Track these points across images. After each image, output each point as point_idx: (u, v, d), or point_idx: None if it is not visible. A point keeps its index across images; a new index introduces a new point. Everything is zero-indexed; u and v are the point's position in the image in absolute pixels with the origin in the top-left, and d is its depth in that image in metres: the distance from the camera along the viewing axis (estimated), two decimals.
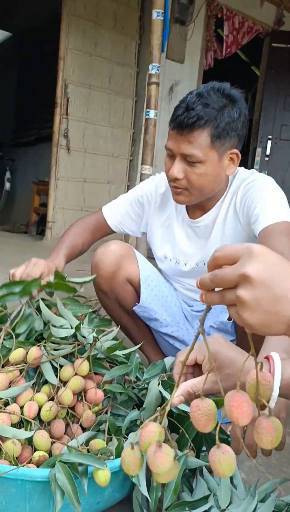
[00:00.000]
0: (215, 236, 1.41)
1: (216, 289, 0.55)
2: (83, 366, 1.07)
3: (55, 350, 1.10)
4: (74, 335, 1.15)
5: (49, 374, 1.05)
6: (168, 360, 1.20)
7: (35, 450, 0.96)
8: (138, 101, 4.76)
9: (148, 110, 2.98)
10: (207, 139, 1.25)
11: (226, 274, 0.53)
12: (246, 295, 0.51)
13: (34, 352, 1.05)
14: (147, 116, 3.00)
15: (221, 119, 1.24)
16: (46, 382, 1.07)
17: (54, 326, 1.16)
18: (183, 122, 1.23)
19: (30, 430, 0.97)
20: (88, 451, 0.96)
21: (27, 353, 1.08)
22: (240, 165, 1.39)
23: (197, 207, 1.43)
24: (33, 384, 1.06)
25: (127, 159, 4.87)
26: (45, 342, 1.12)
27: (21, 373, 1.06)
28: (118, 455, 0.94)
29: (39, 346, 1.09)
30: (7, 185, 6.17)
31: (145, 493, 0.88)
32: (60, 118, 4.26)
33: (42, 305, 1.18)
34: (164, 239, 1.54)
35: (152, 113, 2.96)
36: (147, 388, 1.11)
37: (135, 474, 0.75)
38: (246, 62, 7.11)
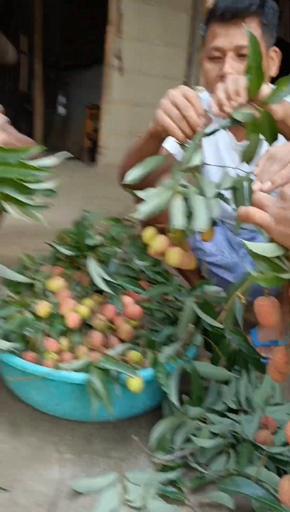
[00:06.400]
0: None
1: None
2: None
3: None
4: None
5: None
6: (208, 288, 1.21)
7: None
8: (196, 16, 4.45)
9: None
10: (258, 28, 1.21)
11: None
12: None
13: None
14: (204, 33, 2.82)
15: (267, 9, 1.22)
16: (89, 295, 1.12)
17: None
18: (236, 9, 1.18)
19: (73, 338, 1.03)
20: (125, 361, 1.02)
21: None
22: None
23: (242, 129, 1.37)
24: (76, 297, 1.11)
25: (181, 81, 4.66)
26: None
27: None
28: (152, 366, 0.99)
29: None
30: (61, 109, 6.12)
31: (174, 401, 0.93)
32: (113, 37, 4.09)
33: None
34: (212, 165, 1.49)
35: None
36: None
37: None
38: None
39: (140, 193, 0.93)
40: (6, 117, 0.97)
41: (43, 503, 0.81)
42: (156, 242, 0.97)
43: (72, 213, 1.23)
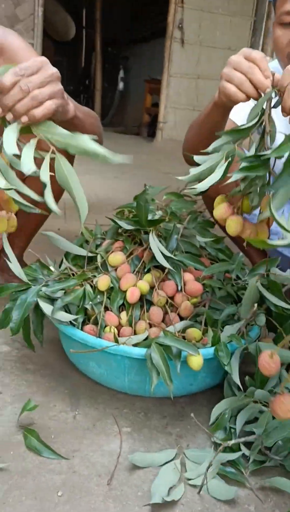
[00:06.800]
0: None
1: None
2: None
3: None
4: None
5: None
6: (274, 269, 1.16)
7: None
8: None
9: None
10: None
11: None
12: None
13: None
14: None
15: None
16: (149, 271, 1.10)
17: None
18: None
19: (132, 313, 1.03)
20: (184, 338, 1.00)
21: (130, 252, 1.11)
22: None
23: None
24: (136, 272, 1.10)
25: None
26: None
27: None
28: (213, 344, 0.97)
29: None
30: (121, 84, 6.08)
31: (237, 381, 0.90)
32: (175, 7, 3.97)
33: None
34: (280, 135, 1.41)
35: None
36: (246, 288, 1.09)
37: None
38: None
39: (197, 157, 0.88)
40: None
41: (102, 473, 0.82)
42: (218, 208, 0.93)
43: (131, 188, 1.21)
